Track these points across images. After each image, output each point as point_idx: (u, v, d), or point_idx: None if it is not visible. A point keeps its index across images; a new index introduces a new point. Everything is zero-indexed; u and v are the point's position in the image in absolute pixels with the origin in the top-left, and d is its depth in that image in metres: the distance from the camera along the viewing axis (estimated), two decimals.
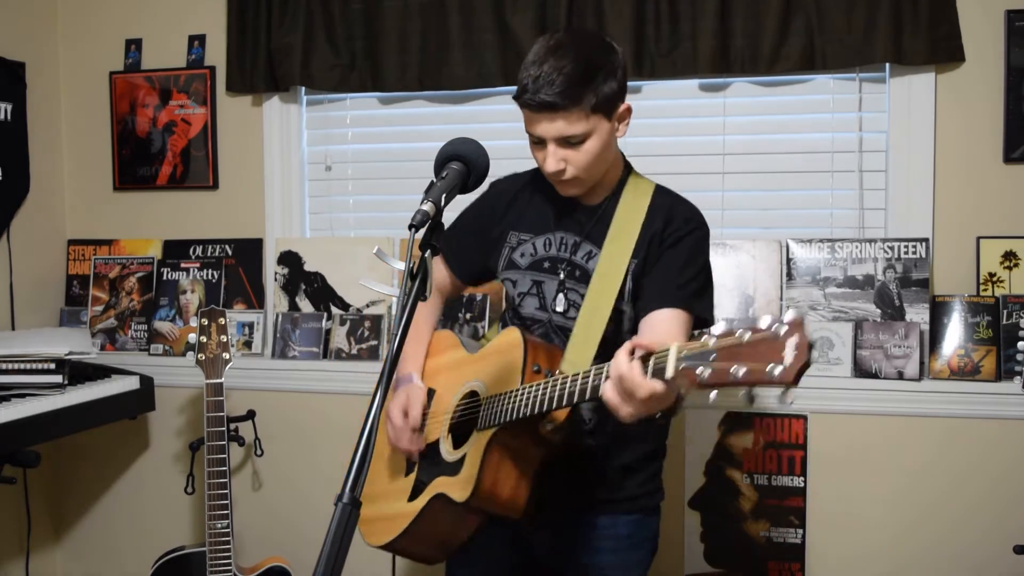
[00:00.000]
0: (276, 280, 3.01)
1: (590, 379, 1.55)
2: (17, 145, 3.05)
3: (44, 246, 3.19)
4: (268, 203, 3.05)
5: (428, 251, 1.43)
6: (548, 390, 1.64)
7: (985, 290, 2.52)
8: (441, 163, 1.55)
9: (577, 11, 2.64)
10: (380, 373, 1.34)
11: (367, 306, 2.93)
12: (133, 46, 3.15)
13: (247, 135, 3.05)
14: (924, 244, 2.54)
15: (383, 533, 1.95)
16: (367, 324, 2.89)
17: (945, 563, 2.51)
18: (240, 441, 2.76)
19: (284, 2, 2.88)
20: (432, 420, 1.97)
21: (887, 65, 2.56)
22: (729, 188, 2.72)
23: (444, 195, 1.48)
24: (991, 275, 2.52)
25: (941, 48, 2.47)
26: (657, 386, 1.38)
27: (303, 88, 3.00)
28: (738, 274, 2.65)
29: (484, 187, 1.79)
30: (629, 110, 1.84)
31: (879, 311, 2.55)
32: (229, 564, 2.55)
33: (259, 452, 2.85)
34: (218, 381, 2.55)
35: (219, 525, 2.55)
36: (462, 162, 1.54)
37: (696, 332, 1.37)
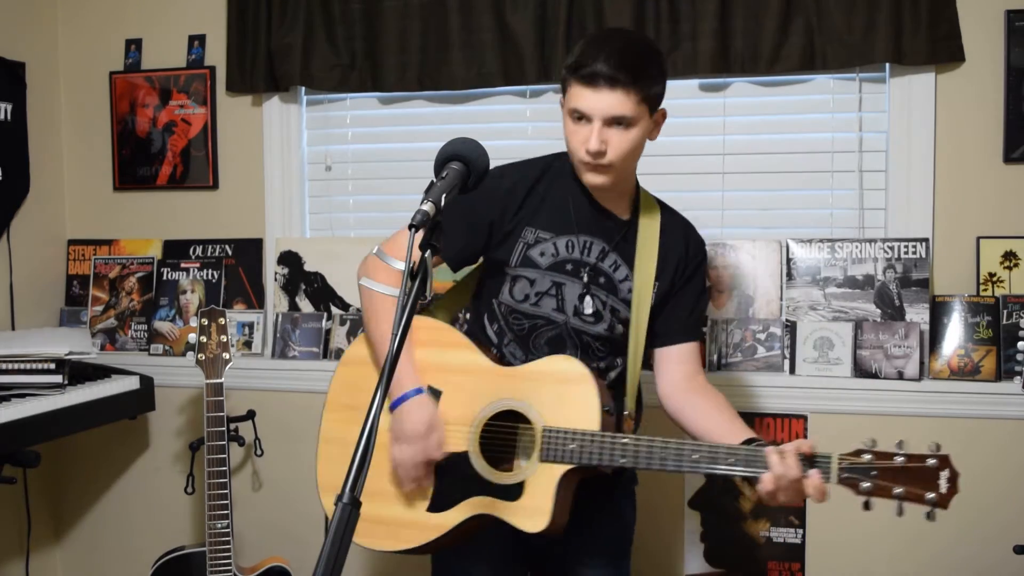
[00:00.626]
0: (276, 280, 3.01)
1: (738, 468, 1.68)
2: (17, 145, 3.05)
3: (44, 246, 3.19)
4: (268, 203, 3.05)
5: (428, 251, 1.43)
6: (674, 454, 1.71)
7: (985, 290, 2.52)
8: (441, 163, 1.55)
9: (577, 11, 2.64)
10: (380, 373, 1.34)
11: None
12: (133, 46, 3.15)
13: (247, 135, 3.05)
14: (924, 244, 2.54)
15: (393, 539, 1.89)
16: None
17: (945, 562, 2.51)
18: (240, 441, 2.76)
19: (284, 2, 2.88)
20: (448, 428, 1.88)
21: (887, 65, 2.57)
22: (729, 188, 2.72)
23: (444, 195, 1.47)
24: (991, 275, 2.52)
25: (941, 48, 2.47)
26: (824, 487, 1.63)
27: (303, 88, 3.00)
28: (738, 274, 2.65)
29: None
30: (664, 115, 1.88)
31: (879, 311, 2.55)
32: (229, 564, 2.55)
33: (259, 452, 2.84)
34: (218, 381, 2.55)
35: (219, 525, 2.55)
36: (462, 162, 1.54)
37: (856, 450, 1.64)
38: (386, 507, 1.90)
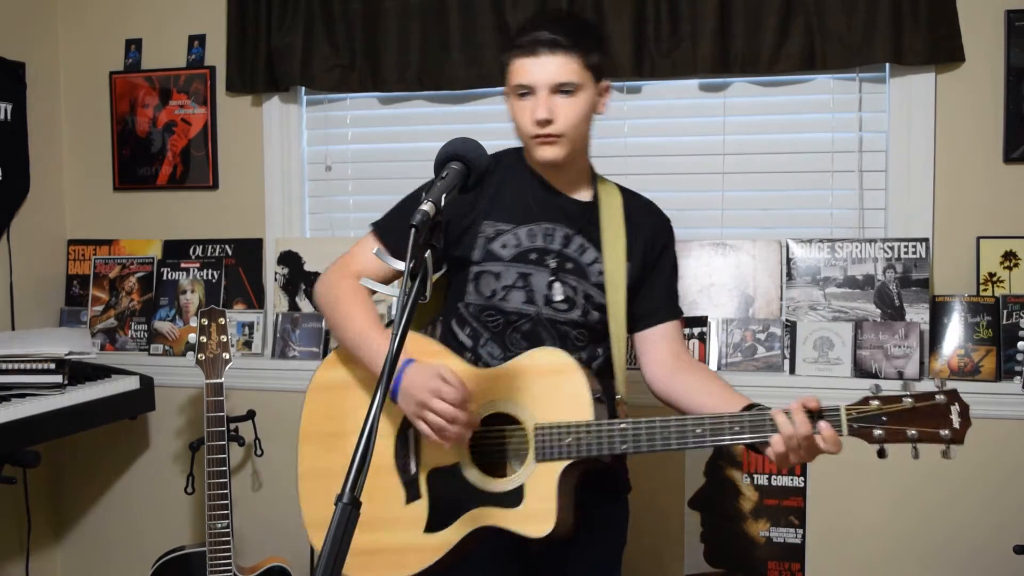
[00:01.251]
0: (276, 280, 3.01)
1: (745, 435, 1.63)
2: (17, 145, 3.05)
3: (44, 246, 3.19)
4: (268, 203, 3.05)
5: (428, 251, 1.43)
6: (676, 431, 1.65)
7: (985, 290, 2.52)
8: (441, 163, 1.55)
9: (577, 11, 2.64)
10: (380, 373, 1.34)
11: None
12: (133, 46, 3.15)
13: (247, 135, 3.06)
14: (924, 244, 2.54)
15: (393, 568, 1.78)
16: None
17: (945, 562, 2.51)
18: (240, 441, 2.76)
19: (284, 2, 2.88)
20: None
21: (887, 65, 2.57)
22: (729, 188, 2.72)
23: (444, 195, 1.47)
24: (991, 275, 2.52)
25: (941, 48, 2.47)
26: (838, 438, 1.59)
27: (303, 88, 3.00)
28: (738, 274, 2.65)
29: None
30: (609, 89, 1.87)
31: (879, 311, 2.55)
32: (229, 564, 2.55)
33: (259, 452, 2.85)
34: (218, 381, 2.55)
35: (219, 525, 2.55)
36: (462, 162, 1.54)
37: (863, 398, 1.60)
38: (381, 535, 1.78)
